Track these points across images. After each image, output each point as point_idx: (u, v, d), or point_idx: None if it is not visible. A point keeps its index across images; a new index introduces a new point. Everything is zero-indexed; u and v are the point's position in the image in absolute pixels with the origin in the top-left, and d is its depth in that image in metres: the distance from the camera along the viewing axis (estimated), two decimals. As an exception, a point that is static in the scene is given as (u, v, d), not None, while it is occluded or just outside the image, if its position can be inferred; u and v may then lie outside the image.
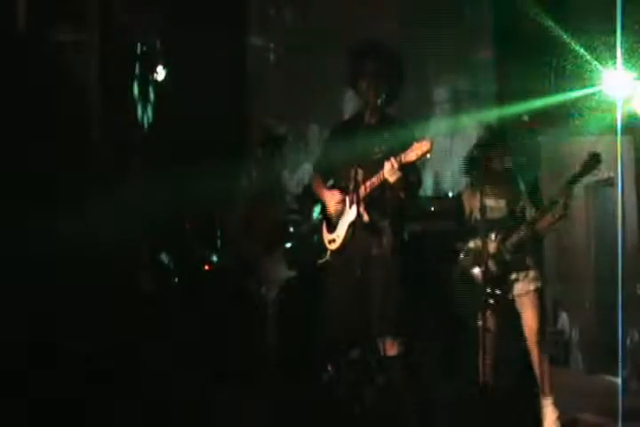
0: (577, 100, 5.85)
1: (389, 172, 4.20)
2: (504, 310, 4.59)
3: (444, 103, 7.41)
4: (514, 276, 4.55)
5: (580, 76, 5.71)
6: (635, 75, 5.24)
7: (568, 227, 5.75)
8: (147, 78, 6.38)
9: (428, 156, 4.18)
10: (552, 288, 6.51)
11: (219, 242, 6.29)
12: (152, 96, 6.55)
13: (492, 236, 4.55)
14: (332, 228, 4.51)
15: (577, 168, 4.42)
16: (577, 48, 5.62)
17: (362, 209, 4.32)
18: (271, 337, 5.69)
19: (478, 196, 4.42)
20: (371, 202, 4.34)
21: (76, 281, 4.54)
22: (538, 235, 4.63)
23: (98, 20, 5.22)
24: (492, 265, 4.49)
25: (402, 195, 4.35)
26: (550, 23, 5.79)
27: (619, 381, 5.00)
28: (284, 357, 5.57)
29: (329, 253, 4.51)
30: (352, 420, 4.35)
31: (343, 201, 4.46)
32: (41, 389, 4.11)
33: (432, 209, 6.63)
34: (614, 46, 4.89)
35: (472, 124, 6.75)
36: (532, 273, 4.57)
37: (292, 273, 5.88)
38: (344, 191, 4.47)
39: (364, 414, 4.33)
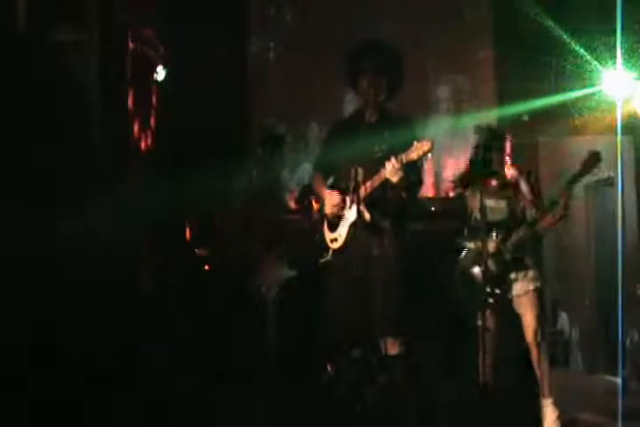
0: (577, 100, 5.85)
1: (391, 172, 4.20)
2: (504, 310, 4.59)
3: (444, 103, 7.41)
4: (513, 276, 4.56)
5: (579, 76, 5.71)
6: (635, 75, 5.25)
7: (568, 227, 5.75)
8: (147, 78, 6.38)
9: (429, 155, 4.18)
10: (552, 288, 6.52)
11: (219, 242, 6.28)
12: (152, 96, 6.56)
13: (493, 235, 4.55)
14: (333, 227, 4.51)
15: (577, 167, 4.42)
16: (577, 48, 5.63)
17: (363, 209, 4.32)
18: (271, 337, 5.69)
19: (478, 196, 4.42)
20: (372, 202, 4.34)
21: (76, 281, 4.54)
22: (538, 235, 4.63)
23: (98, 20, 5.21)
24: (491, 265, 4.49)
25: (403, 194, 4.35)
26: (550, 23, 5.80)
27: (619, 381, 5.01)
28: (284, 357, 5.57)
29: (331, 252, 4.51)
30: (353, 420, 4.34)
31: (344, 200, 4.45)
32: (41, 389, 4.11)
33: (432, 209, 6.63)
34: (614, 46, 4.89)
35: (472, 124, 6.75)
36: (531, 273, 4.57)
37: (292, 273, 5.88)
38: (345, 190, 4.46)
39: (365, 414, 4.32)
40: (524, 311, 4.56)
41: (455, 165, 7.21)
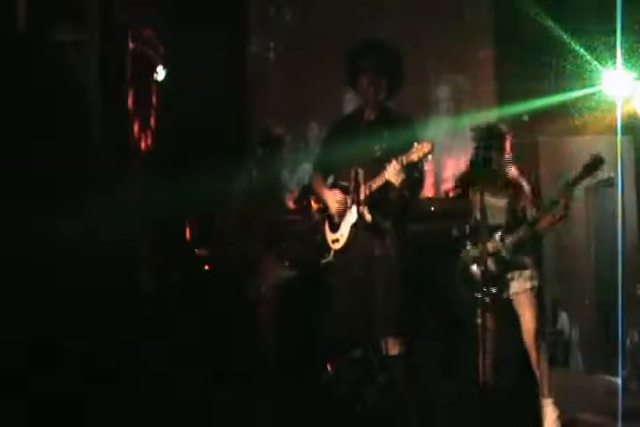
0: (577, 100, 5.85)
1: (392, 174, 4.19)
2: (503, 310, 4.59)
3: (444, 103, 7.41)
4: (510, 275, 4.55)
5: (579, 76, 5.71)
6: (635, 75, 5.25)
7: (568, 227, 5.75)
8: (147, 78, 6.38)
9: (430, 157, 4.18)
10: (552, 288, 6.52)
11: (219, 242, 6.28)
12: (152, 96, 6.56)
13: (492, 235, 4.55)
14: (334, 227, 4.50)
15: (578, 169, 4.42)
16: (577, 48, 5.63)
17: (364, 210, 4.31)
18: (271, 337, 5.69)
19: (479, 195, 4.42)
20: (373, 202, 4.33)
21: (76, 281, 4.54)
22: (538, 235, 4.63)
23: (98, 20, 5.21)
24: (490, 264, 4.49)
25: (405, 195, 4.34)
26: (550, 23, 5.80)
27: (619, 381, 5.01)
28: (284, 357, 5.57)
29: (332, 252, 4.50)
30: (353, 420, 4.34)
31: (345, 201, 4.44)
32: (41, 389, 4.11)
33: (432, 209, 6.63)
34: (614, 46, 4.89)
35: (472, 124, 6.75)
36: (527, 272, 4.56)
37: (292, 273, 5.87)
38: (345, 191, 4.45)
39: (365, 414, 4.32)
40: (522, 311, 4.56)
41: (455, 165, 7.21)
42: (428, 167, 4.48)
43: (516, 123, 6.10)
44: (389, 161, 4.22)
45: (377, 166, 4.29)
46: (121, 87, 5.70)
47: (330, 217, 4.55)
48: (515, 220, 4.59)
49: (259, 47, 7.54)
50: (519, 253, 4.56)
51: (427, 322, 5.51)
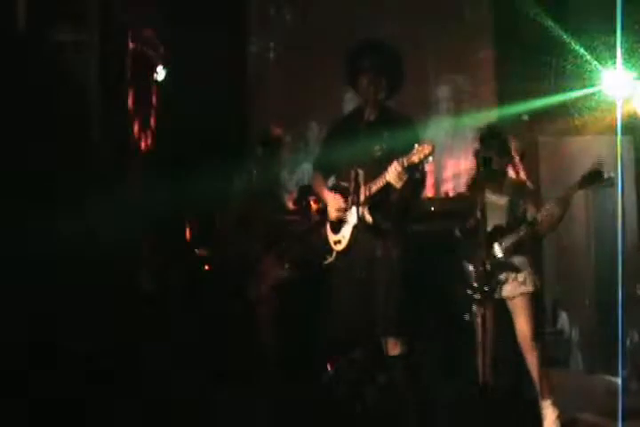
0: (577, 100, 5.85)
1: (393, 176, 4.17)
2: (499, 310, 4.58)
3: (444, 103, 7.42)
4: (503, 276, 4.53)
5: (579, 76, 5.71)
6: (635, 75, 5.24)
7: (568, 227, 5.75)
8: (147, 78, 6.39)
9: (430, 158, 4.17)
10: (552, 288, 6.52)
11: (219, 242, 6.29)
12: (152, 96, 6.56)
13: (491, 235, 4.54)
14: (336, 229, 4.48)
15: (576, 178, 4.43)
16: (577, 48, 5.63)
17: (365, 211, 4.30)
18: (271, 337, 5.69)
19: (480, 194, 4.42)
20: (374, 204, 4.32)
21: (76, 281, 4.54)
22: (537, 235, 4.63)
23: (98, 20, 5.21)
24: (484, 262, 4.47)
25: (406, 195, 4.33)
26: (550, 23, 5.80)
27: (619, 381, 5.00)
28: (284, 357, 5.58)
29: (334, 254, 4.49)
30: (353, 420, 4.34)
31: (346, 202, 4.42)
32: (41, 389, 4.11)
33: (432, 209, 6.64)
34: (614, 46, 4.89)
35: (472, 124, 6.75)
36: (521, 276, 4.54)
37: (292, 273, 5.88)
38: (346, 192, 4.44)
39: (366, 414, 4.33)
40: (516, 315, 4.55)
41: (455, 165, 7.22)
42: (428, 168, 4.47)
43: (515, 123, 6.11)
44: (390, 162, 4.20)
45: (377, 167, 4.28)
46: (121, 87, 5.70)
47: (332, 218, 4.53)
48: (515, 220, 4.59)
49: (259, 47, 7.54)
50: (517, 255, 4.55)
51: (427, 322, 5.51)
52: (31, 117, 4.49)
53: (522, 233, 4.51)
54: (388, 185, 4.25)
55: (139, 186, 5.99)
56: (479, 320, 4.40)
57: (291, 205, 6.66)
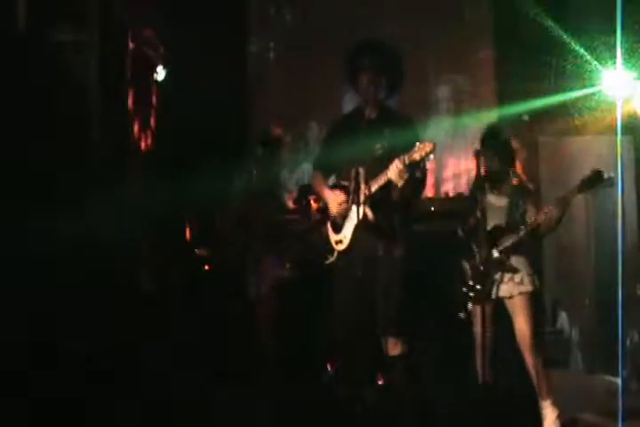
0: (577, 100, 5.85)
1: (395, 174, 4.17)
2: (500, 311, 4.58)
3: (444, 103, 7.42)
4: (500, 276, 4.53)
5: (580, 76, 5.71)
6: (635, 75, 5.24)
7: (568, 227, 5.75)
8: (147, 78, 6.39)
9: (432, 156, 4.17)
10: (552, 288, 6.52)
11: (219, 242, 6.29)
12: (152, 96, 6.56)
13: (490, 235, 4.54)
14: (337, 228, 4.48)
15: (577, 182, 4.43)
16: (577, 48, 5.63)
17: (367, 210, 4.29)
18: (271, 337, 5.69)
19: (480, 194, 4.42)
20: (375, 202, 4.31)
21: (76, 281, 4.54)
22: (536, 236, 4.63)
23: (98, 20, 5.21)
24: (480, 262, 4.48)
25: (407, 194, 4.33)
26: (550, 23, 5.80)
27: (619, 381, 5.00)
28: (284, 357, 5.58)
29: (336, 253, 4.48)
30: (353, 420, 4.34)
31: (347, 201, 4.42)
32: (41, 389, 4.11)
33: (432, 209, 6.64)
34: (614, 46, 4.88)
35: (472, 124, 6.76)
36: (518, 276, 4.54)
37: (293, 273, 5.88)
38: (347, 191, 4.44)
39: (366, 414, 4.32)
40: (515, 315, 4.54)
41: (455, 164, 7.22)
42: (429, 166, 4.47)
43: (515, 123, 6.11)
44: (390, 160, 4.20)
45: (378, 165, 4.27)
46: (121, 87, 5.70)
47: (332, 218, 4.53)
48: (514, 221, 4.59)
49: (259, 47, 7.55)
50: (515, 255, 4.55)
51: (427, 322, 5.51)
52: (31, 117, 4.49)
53: (521, 234, 4.51)
54: (388, 183, 4.25)
55: (139, 186, 6.00)
56: (478, 320, 4.40)
57: (291, 205, 6.66)
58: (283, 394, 5.04)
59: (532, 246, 4.66)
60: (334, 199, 4.48)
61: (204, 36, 6.59)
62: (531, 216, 4.52)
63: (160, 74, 6.48)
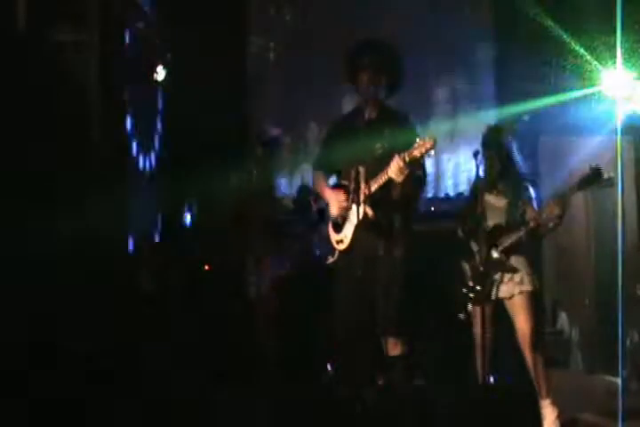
0: (577, 100, 5.85)
1: (395, 171, 4.16)
2: (500, 311, 4.58)
3: (444, 103, 7.42)
4: (499, 276, 4.53)
5: (580, 76, 5.71)
6: (635, 75, 5.24)
7: (568, 227, 5.75)
8: (147, 78, 6.39)
9: (432, 153, 4.16)
10: (552, 288, 6.52)
11: (218, 242, 6.29)
12: (152, 97, 6.56)
13: (489, 235, 4.54)
14: (338, 228, 4.47)
15: (576, 179, 4.42)
16: (577, 48, 5.62)
17: (367, 209, 4.29)
18: (271, 337, 5.69)
19: (479, 196, 4.42)
20: (376, 201, 4.31)
21: (76, 281, 4.54)
22: (536, 236, 4.63)
23: (98, 20, 5.21)
24: (479, 262, 4.48)
25: (407, 192, 4.33)
26: (550, 23, 5.79)
27: (619, 381, 5.00)
28: (284, 357, 5.58)
29: (337, 253, 4.48)
30: (353, 420, 4.34)
31: (347, 200, 4.41)
32: (41, 389, 4.11)
33: (432, 209, 6.64)
34: (614, 46, 4.88)
35: (472, 124, 6.76)
36: (518, 276, 4.53)
37: (292, 273, 5.88)
38: (347, 190, 4.43)
39: (365, 414, 4.32)
40: (515, 315, 4.54)
41: (455, 164, 7.22)
42: (428, 168, 4.47)
43: (516, 123, 6.11)
44: (391, 159, 4.20)
45: (378, 165, 4.26)
46: (121, 87, 5.70)
47: (332, 218, 4.52)
48: (514, 221, 4.58)
49: (259, 47, 7.54)
50: (514, 255, 4.55)
51: (427, 322, 5.51)
52: (31, 117, 4.49)
53: (521, 234, 4.51)
54: (389, 182, 4.24)
55: (138, 186, 6.00)
56: (478, 320, 4.40)
57: (291, 205, 6.66)
58: (283, 394, 5.04)
59: (531, 246, 4.66)
60: (335, 199, 4.48)
61: (204, 36, 6.59)
62: (530, 216, 4.52)
63: (160, 74, 6.47)
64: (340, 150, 4.48)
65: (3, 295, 4.14)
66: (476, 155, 4.48)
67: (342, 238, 4.42)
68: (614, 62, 5.10)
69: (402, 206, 4.38)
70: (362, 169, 4.29)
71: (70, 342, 4.38)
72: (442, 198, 7.09)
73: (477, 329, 4.48)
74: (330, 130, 4.74)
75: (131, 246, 5.62)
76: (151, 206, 6.24)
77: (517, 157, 4.69)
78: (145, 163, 6.31)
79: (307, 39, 7.41)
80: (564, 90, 5.93)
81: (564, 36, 5.69)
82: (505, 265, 4.51)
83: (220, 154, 6.38)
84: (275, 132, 6.67)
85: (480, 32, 7.26)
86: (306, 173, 6.98)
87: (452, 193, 7.15)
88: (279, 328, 5.70)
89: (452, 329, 5.19)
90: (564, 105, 6.00)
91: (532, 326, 4.50)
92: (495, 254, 4.52)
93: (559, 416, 4.50)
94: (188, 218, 6.58)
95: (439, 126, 7.07)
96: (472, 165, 4.73)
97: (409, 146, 4.15)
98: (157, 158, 6.49)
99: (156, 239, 6.41)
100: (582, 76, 5.66)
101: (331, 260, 4.50)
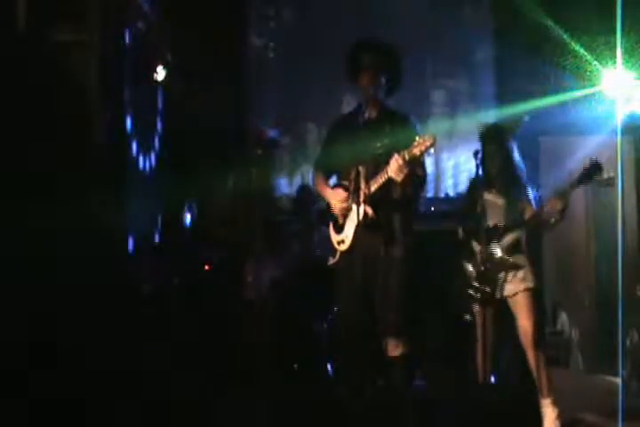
0: (577, 100, 5.85)
1: (396, 171, 4.16)
2: (500, 310, 4.58)
3: (443, 103, 7.42)
4: (502, 275, 4.53)
5: (580, 76, 5.71)
6: (635, 75, 5.25)
7: (568, 227, 5.75)
8: (147, 78, 6.39)
9: (432, 150, 4.16)
10: (552, 288, 6.52)
11: (218, 242, 6.29)
12: (152, 97, 6.56)
13: (490, 234, 4.54)
14: (339, 228, 4.47)
15: (576, 175, 4.42)
16: (577, 48, 5.63)
17: (368, 209, 4.28)
18: (271, 337, 5.69)
19: (479, 195, 4.42)
20: (376, 201, 4.30)
21: (76, 281, 4.54)
22: (536, 235, 4.63)
23: (98, 20, 5.21)
24: (483, 261, 4.47)
25: (408, 192, 4.32)
26: (550, 23, 5.80)
27: (619, 381, 5.01)
28: (284, 357, 5.57)
29: (338, 254, 4.47)
30: (353, 420, 4.34)
31: (348, 200, 4.41)
32: (41, 389, 4.11)
33: (432, 209, 6.65)
34: (614, 46, 4.89)
35: (471, 124, 6.76)
36: (521, 273, 4.53)
37: (292, 273, 5.88)
38: (348, 190, 4.43)
39: (366, 414, 4.32)
40: (518, 312, 4.54)
41: (455, 164, 7.22)
42: (428, 168, 4.46)
43: (516, 123, 6.11)
44: (391, 156, 4.19)
45: (379, 165, 4.26)
46: (121, 87, 5.70)
47: (334, 218, 4.52)
48: (514, 219, 4.59)
49: (258, 47, 7.54)
50: (515, 254, 4.55)
51: (427, 322, 5.51)
52: (31, 117, 4.49)
53: (521, 232, 4.51)
54: (389, 182, 4.24)
55: (138, 186, 5.99)
56: (480, 320, 4.40)
57: (290, 205, 6.66)
58: (283, 394, 5.04)
59: (531, 244, 4.67)
60: (334, 198, 4.47)
61: (204, 36, 6.59)
62: (529, 214, 4.53)
63: (160, 74, 6.47)
64: (340, 150, 4.47)
65: (3, 295, 4.13)
66: (476, 154, 4.49)
67: (343, 239, 4.42)
68: (614, 62, 5.11)
69: (402, 206, 4.38)
70: (362, 169, 4.28)
71: (70, 342, 4.38)
72: (442, 198, 7.10)
73: (478, 329, 4.48)
74: (330, 130, 4.74)
75: (131, 246, 5.62)
76: (151, 206, 6.23)
77: (517, 156, 4.69)
78: (145, 163, 6.31)
79: (306, 39, 7.41)
80: (564, 90, 5.94)
81: (564, 36, 5.70)
82: (508, 263, 4.52)
83: (218, 154, 6.38)
84: (274, 132, 6.67)
85: (480, 32, 7.26)
86: (306, 173, 6.98)
87: (451, 193, 7.15)
88: (279, 328, 5.70)
89: (452, 329, 5.20)
90: (563, 105, 6.00)
91: (533, 324, 4.50)
92: (497, 253, 4.53)
93: (560, 416, 4.50)
94: (188, 218, 6.58)
95: (439, 126, 7.07)
96: (472, 164, 4.74)
97: (409, 146, 4.15)
98: (157, 158, 6.48)
99: (156, 239, 6.40)
100: (582, 76, 5.66)
101: (332, 261, 4.50)
